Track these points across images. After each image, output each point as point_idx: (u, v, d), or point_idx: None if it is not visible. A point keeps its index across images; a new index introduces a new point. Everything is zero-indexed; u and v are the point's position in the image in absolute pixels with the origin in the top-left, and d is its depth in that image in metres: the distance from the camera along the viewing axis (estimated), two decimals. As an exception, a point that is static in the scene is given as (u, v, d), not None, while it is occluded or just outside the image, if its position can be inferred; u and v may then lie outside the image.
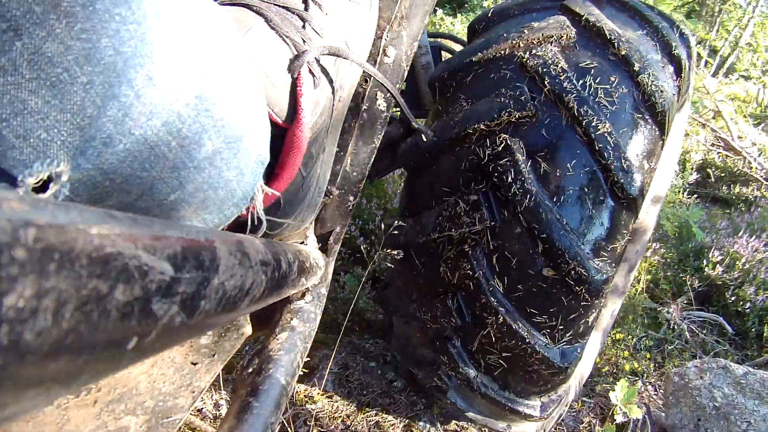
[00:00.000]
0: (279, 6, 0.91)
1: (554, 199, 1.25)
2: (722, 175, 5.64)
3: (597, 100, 1.28)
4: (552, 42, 1.40)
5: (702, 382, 2.26)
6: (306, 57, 0.88)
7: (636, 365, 2.93)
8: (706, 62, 9.74)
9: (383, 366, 2.21)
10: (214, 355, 0.91)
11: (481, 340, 1.35)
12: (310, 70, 0.90)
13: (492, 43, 1.47)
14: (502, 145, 1.26)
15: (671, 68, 1.47)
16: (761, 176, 5.69)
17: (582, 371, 2.15)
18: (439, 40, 2.24)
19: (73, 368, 0.24)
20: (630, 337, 3.08)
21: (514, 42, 1.43)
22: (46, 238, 0.22)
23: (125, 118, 0.48)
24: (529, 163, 1.26)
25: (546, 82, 1.30)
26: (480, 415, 1.58)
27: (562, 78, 1.30)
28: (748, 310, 3.55)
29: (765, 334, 3.43)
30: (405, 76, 1.21)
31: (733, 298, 3.61)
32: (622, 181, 1.25)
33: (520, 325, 1.30)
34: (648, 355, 3.09)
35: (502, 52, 1.44)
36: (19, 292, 0.20)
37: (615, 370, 2.84)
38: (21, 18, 0.39)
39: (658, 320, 3.40)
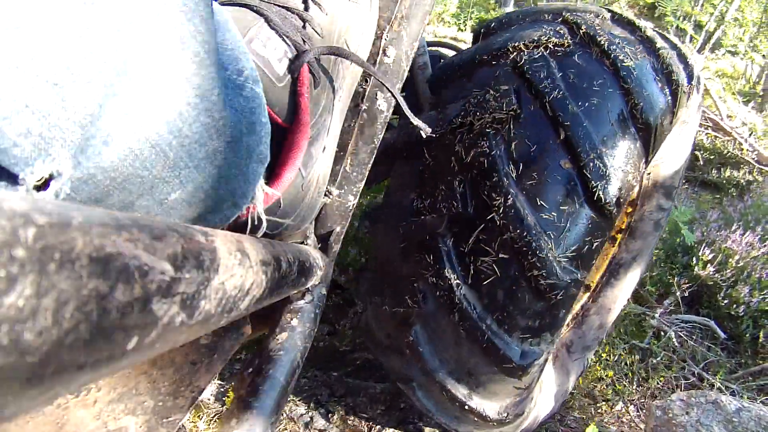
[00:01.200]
0: (279, 6, 0.91)
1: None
2: (711, 157, 5.49)
3: (581, 103, 1.29)
4: (546, 47, 1.43)
5: (688, 419, 2.04)
6: (306, 57, 0.88)
7: (618, 386, 2.72)
8: (692, 38, 9.57)
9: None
10: (214, 355, 0.91)
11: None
12: (310, 70, 0.90)
13: (491, 45, 1.49)
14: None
15: (666, 88, 1.48)
16: (753, 158, 5.49)
17: (560, 390, 2.12)
18: (438, 48, 2.25)
19: (73, 368, 0.24)
20: (612, 350, 2.93)
21: (513, 45, 1.46)
22: (46, 238, 0.22)
23: (126, 117, 0.48)
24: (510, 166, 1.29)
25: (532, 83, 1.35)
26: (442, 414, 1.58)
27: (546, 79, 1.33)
28: (742, 313, 3.34)
29: (761, 339, 3.25)
30: (405, 76, 1.21)
31: (725, 301, 3.40)
32: (597, 187, 1.26)
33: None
34: (631, 371, 2.87)
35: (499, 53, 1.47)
36: (19, 292, 0.20)
37: (595, 389, 2.67)
38: (23, 14, 0.39)
39: (643, 328, 3.21)
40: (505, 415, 1.53)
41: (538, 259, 1.27)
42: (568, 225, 1.29)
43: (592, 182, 1.27)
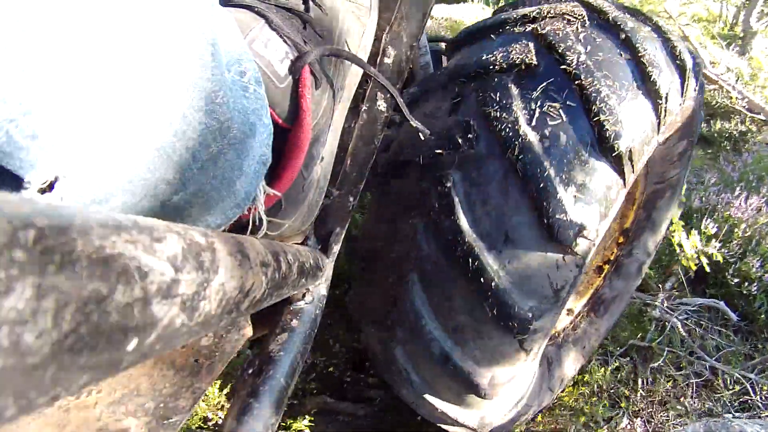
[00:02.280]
0: (280, 7, 0.92)
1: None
2: (699, 110, 5.28)
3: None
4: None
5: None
6: (307, 58, 0.88)
7: (619, 398, 2.46)
8: None
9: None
10: (215, 357, 0.91)
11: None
12: (311, 71, 0.90)
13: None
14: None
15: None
16: (743, 107, 5.26)
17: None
18: (439, 44, 2.26)
19: (74, 370, 0.24)
20: (610, 353, 2.67)
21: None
22: (46, 240, 0.22)
23: (131, 119, 0.48)
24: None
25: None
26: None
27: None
28: (754, 290, 3.01)
29: None
30: (405, 76, 1.21)
31: (735, 279, 3.09)
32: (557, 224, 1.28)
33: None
34: (633, 377, 2.58)
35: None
36: (19, 294, 0.20)
37: (591, 406, 2.37)
38: (31, 20, 0.40)
39: (642, 322, 2.90)
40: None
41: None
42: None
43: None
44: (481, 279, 1.28)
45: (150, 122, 0.51)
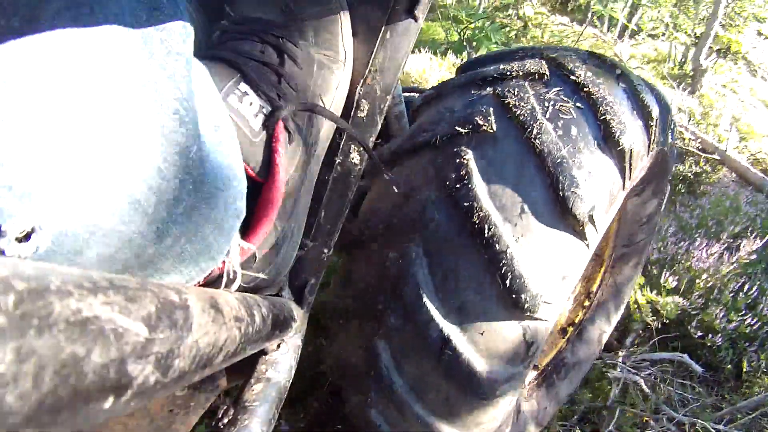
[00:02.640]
0: (255, 61, 0.93)
1: None
2: (651, 153, 5.24)
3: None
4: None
5: None
6: (281, 113, 0.90)
7: None
8: (609, 27, 9.47)
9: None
10: (189, 406, 0.91)
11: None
12: (285, 126, 0.91)
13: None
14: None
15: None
16: (696, 148, 5.26)
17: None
18: (413, 94, 2.28)
19: (53, 427, 0.25)
20: (568, 419, 2.50)
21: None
22: (25, 304, 0.23)
23: (106, 173, 0.49)
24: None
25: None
26: None
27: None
28: (719, 341, 2.95)
29: (744, 368, 2.92)
30: (379, 129, 1.22)
31: (698, 333, 3.00)
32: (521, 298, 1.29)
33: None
34: None
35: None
36: (0, 358, 0.21)
37: None
38: (9, 69, 0.40)
39: (601, 383, 2.70)
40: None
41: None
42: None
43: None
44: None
45: (124, 176, 0.51)
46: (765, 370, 2.97)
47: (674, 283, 3.12)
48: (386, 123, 1.96)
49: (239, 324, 0.57)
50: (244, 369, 1.07)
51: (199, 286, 0.75)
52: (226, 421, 0.94)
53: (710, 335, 3.00)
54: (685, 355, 2.92)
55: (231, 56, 0.91)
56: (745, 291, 3.23)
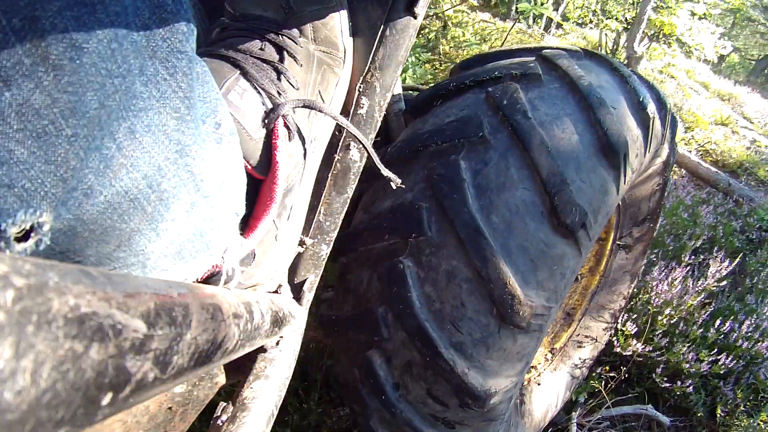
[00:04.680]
0: (255, 57, 0.93)
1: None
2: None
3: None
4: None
5: None
6: (281, 110, 0.90)
7: None
8: (535, 19, 9.22)
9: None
10: (188, 404, 0.91)
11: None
12: (284, 123, 0.91)
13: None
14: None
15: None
16: None
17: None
18: (411, 92, 2.28)
19: (51, 424, 0.25)
20: None
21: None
22: (24, 300, 0.23)
23: (106, 170, 0.49)
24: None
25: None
26: None
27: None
28: (689, 388, 2.63)
29: (718, 412, 2.65)
30: (378, 126, 1.22)
31: (666, 382, 2.66)
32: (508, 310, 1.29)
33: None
34: None
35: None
36: (-1, 354, 0.21)
37: None
38: (10, 69, 0.40)
39: None
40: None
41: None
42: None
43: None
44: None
45: (124, 174, 0.51)
46: (744, 409, 2.74)
47: (634, 329, 2.80)
48: (385, 121, 1.96)
49: (238, 321, 0.57)
50: (243, 366, 1.07)
51: (198, 283, 0.75)
52: (225, 418, 0.94)
53: (679, 382, 2.73)
54: (649, 406, 2.67)
55: (231, 53, 0.91)
56: (716, 326, 2.96)
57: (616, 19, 8.62)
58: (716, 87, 13.57)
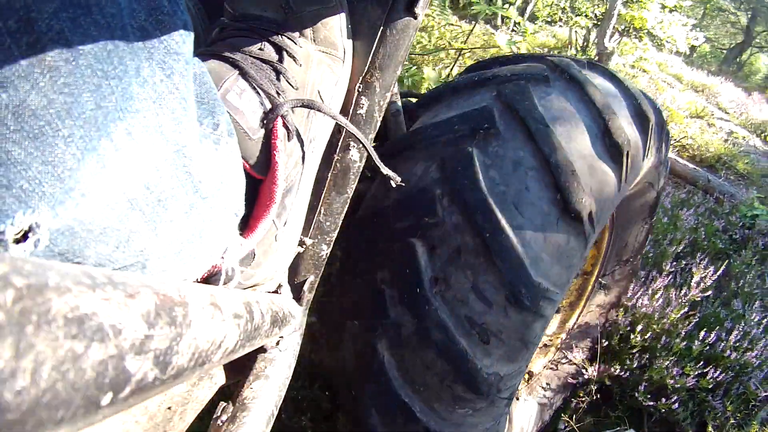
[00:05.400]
0: (254, 57, 0.93)
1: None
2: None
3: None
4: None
5: None
6: (280, 110, 0.90)
7: None
8: (503, 20, 8.96)
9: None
10: (187, 404, 0.91)
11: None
12: (284, 123, 0.91)
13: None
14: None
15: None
16: None
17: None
18: (410, 99, 2.28)
19: (51, 424, 0.25)
20: None
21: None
22: (24, 300, 0.23)
23: (104, 171, 0.49)
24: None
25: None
26: None
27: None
28: (675, 404, 2.46)
29: (709, 429, 2.51)
30: (378, 126, 1.22)
31: (649, 400, 2.49)
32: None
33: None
34: None
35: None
36: (-2, 354, 0.21)
37: None
38: (7, 71, 0.40)
39: None
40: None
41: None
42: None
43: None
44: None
45: (122, 174, 0.51)
46: (734, 422, 2.60)
47: (612, 349, 2.70)
48: (383, 121, 1.96)
49: (238, 321, 0.57)
50: (243, 366, 1.07)
51: (198, 283, 0.75)
52: (225, 418, 0.94)
53: (663, 399, 2.54)
54: (630, 431, 2.46)
55: (230, 53, 0.91)
56: (701, 337, 2.81)
57: (586, 15, 8.48)
58: (689, 78, 13.62)
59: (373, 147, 1.09)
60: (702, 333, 2.83)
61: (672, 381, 2.57)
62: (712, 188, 5.91)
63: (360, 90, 1.17)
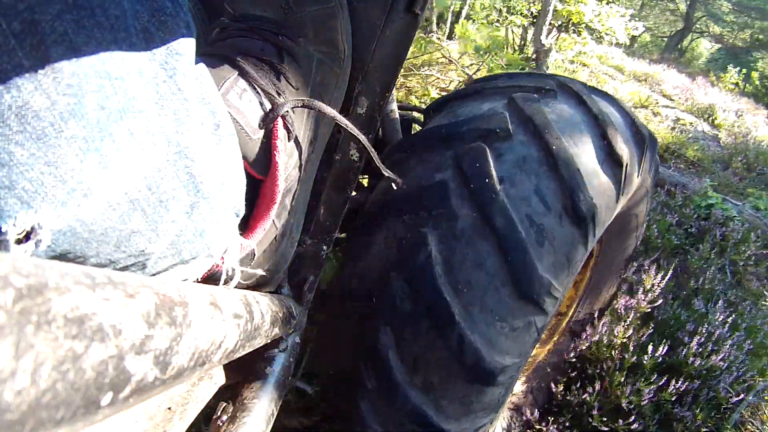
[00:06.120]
0: (254, 58, 0.93)
1: None
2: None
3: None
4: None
5: None
6: (280, 110, 0.89)
7: None
8: (438, 24, 8.64)
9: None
10: (187, 404, 0.91)
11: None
12: (284, 123, 0.91)
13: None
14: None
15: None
16: None
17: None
18: (409, 112, 2.28)
19: (51, 424, 0.25)
20: None
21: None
22: (24, 300, 0.23)
23: (106, 172, 0.49)
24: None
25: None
26: None
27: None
28: (635, 425, 2.24)
29: None
30: (378, 126, 1.23)
31: (604, 426, 2.24)
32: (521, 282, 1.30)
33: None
34: None
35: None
36: (-2, 354, 0.21)
37: None
38: (10, 72, 0.40)
39: None
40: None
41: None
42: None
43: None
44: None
45: (124, 175, 0.51)
46: (706, 430, 2.43)
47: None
48: (380, 126, 1.97)
49: (238, 321, 0.57)
50: (242, 366, 1.07)
51: (198, 283, 0.75)
52: (225, 418, 0.94)
53: (621, 420, 2.32)
54: None
55: (230, 53, 0.91)
56: (658, 347, 2.52)
57: (522, 14, 8.37)
58: (631, 69, 13.49)
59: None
60: (655, 343, 2.54)
61: (626, 402, 2.36)
62: (662, 180, 5.57)
63: (360, 90, 1.17)
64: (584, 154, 1.42)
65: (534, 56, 7.89)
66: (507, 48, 8.44)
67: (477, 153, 1.35)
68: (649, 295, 2.74)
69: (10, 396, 0.22)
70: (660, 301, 2.80)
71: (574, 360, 2.49)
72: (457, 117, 1.54)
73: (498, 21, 8.70)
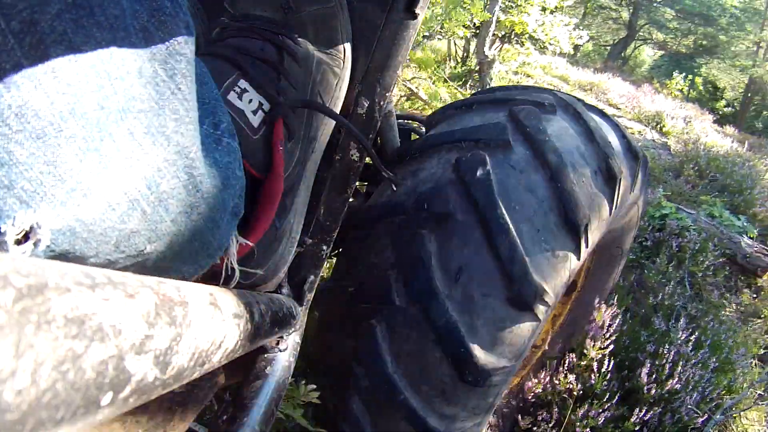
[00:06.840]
0: (255, 58, 0.93)
1: None
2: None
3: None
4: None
5: None
6: (281, 110, 0.90)
7: None
8: None
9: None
10: (188, 403, 0.91)
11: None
12: (284, 123, 0.91)
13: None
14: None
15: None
16: None
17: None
18: (408, 121, 2.28)
19: (51, 424, 0.25)
20: None
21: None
22: (23, 300, 0.23)
23: (105, 171, 0.49)
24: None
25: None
26: None
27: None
28: None
29: None
30: (378, 126, 1.23)
31: None
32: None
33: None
34: None
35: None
36: (-2, 354, 0.21)
37: None
38: (10, 71, 0.40)
39: None
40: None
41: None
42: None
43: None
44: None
45: (124, 175, 0.51)
46: None
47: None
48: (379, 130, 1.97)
49: (238, 321, 0.57)
50: (242, 366, 1.07)
51: (198, 283, 0.75)
52: (225, 418, 0.94)
53: None
54: None
55: (231, 53, 0.91)
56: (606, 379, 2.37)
57: (464, 25, 8.28)
58: (576, 78, 13.52)
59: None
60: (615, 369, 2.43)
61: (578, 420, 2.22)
62: (614, 194, 5.60)
63: (360, 90, 1.17)
64: (580, 166, 1.44)
65: (477, 68, 7.86)
66: (450, 60, 8.41)
67: (477, 160, 1.35)
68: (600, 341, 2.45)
69: (10, 396, 0.22)
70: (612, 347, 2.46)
71: (537, 391, 2.36)
72: (458, 126, 1.55)
73: (441, 33, 8.62)
